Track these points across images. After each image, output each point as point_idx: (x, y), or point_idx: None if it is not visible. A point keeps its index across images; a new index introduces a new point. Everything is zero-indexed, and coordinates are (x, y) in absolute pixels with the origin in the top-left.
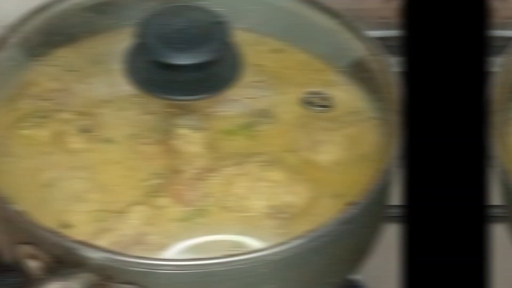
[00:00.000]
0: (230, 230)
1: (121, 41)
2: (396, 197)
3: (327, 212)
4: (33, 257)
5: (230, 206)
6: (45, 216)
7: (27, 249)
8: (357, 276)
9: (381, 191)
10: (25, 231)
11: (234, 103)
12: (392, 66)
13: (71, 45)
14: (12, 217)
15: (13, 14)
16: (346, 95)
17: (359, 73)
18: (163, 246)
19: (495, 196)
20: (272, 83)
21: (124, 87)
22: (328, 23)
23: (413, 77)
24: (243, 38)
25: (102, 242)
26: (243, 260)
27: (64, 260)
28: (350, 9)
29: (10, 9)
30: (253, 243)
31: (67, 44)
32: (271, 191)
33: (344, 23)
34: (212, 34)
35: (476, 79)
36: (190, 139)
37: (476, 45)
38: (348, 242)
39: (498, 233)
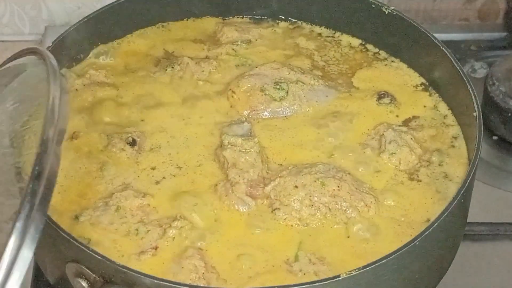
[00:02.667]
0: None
1: None
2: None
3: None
4: (81, 275)
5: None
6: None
7: (75, 267)
8: None
9: (461, 206)
10: (74, 250)
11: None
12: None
13: None
14: (61, 236)
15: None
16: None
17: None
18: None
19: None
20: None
21: None
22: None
23: None
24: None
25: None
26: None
27: (113, 280)
28: (431, 9)
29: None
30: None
31: None
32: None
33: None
34: None
35: None
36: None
37: None
38: (425, 259)
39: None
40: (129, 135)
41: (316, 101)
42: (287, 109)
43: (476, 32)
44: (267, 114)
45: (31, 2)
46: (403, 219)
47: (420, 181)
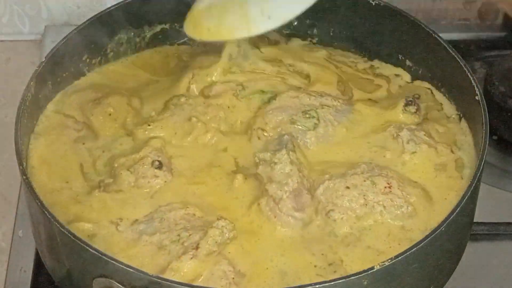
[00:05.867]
0: None
1: None
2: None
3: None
4: None
5: None
6: None
7: (104, 283)
8: None
9: (469, 204)
10: (102, 265)
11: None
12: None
13: None
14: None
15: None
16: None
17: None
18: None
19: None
20: None
21: None
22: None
23: None
24: None
25: None
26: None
27: None
28: (431, 9)
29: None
30: None
31: None
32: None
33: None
34: None
35: None
36: None
37: None
38: (433, 258)
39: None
40: (149, 156)
41: (346, 120)
42: (324, 135)
43: (476, 32)
44: (303, 145)
45: (31, 2)
46: None
47: (446, 171)
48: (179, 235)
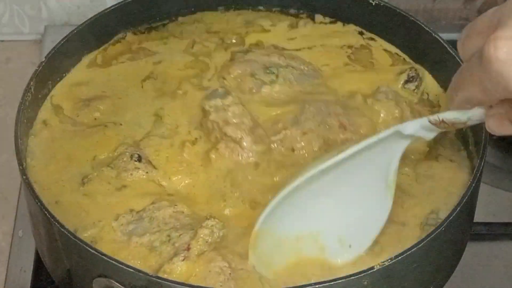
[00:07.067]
0: None
1: None
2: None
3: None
4: None
5: None
6: None
7: (104, 282)
8: None
9: (469, 204)
10: (102, 265)
11: None
12: None
13: None
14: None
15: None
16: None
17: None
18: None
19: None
20: None
21: None
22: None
23: None
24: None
25: None
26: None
27: None
28: (431, 9)
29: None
30: None
31: None
32: None
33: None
34: None
35: None
36: None
37: None
38: (433, 258)
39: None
40: (127, 152)
41: (308, 84)
42: (278, 92)
43: None
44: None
45: (31, 2)
46: None
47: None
48: (169, 235)
